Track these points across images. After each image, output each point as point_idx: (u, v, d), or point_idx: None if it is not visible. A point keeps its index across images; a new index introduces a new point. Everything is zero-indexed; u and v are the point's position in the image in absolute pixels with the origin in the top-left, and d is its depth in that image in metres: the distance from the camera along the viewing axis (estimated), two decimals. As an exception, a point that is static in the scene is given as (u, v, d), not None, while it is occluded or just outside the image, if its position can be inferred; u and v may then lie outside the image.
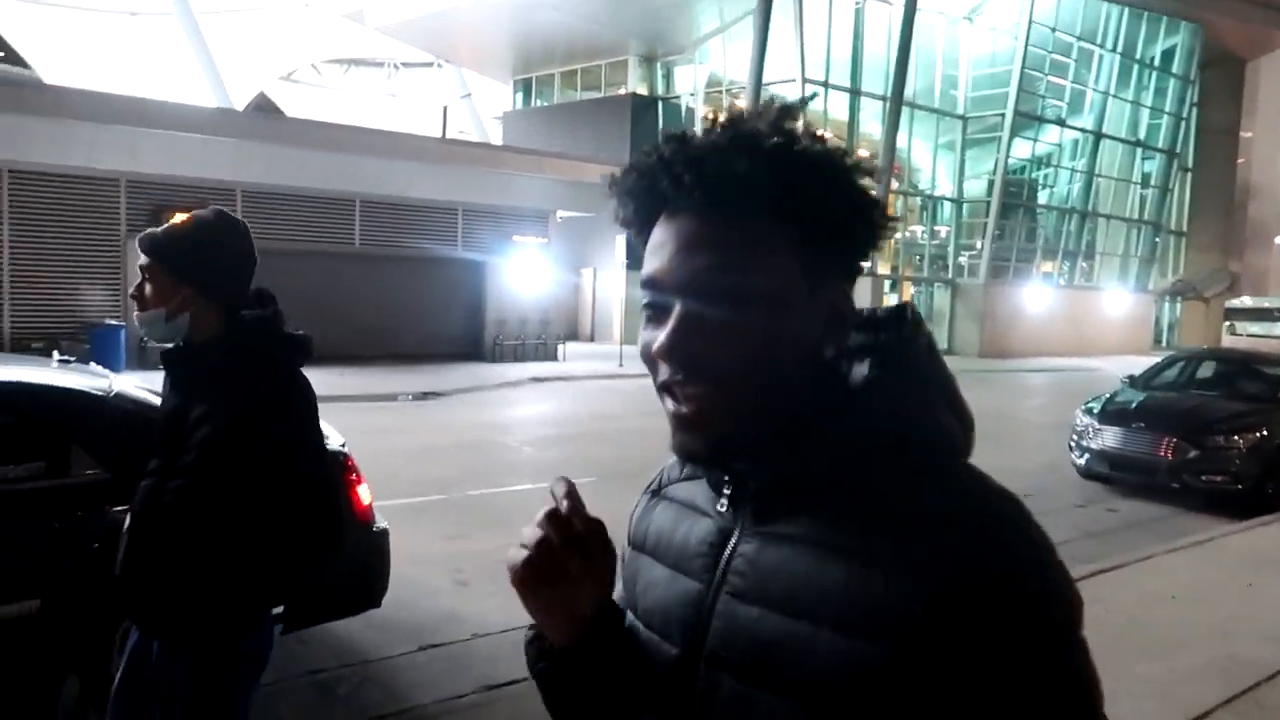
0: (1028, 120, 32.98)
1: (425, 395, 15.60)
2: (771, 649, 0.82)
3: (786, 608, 0.82)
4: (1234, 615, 5.52)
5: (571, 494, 0.93)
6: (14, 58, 44.94)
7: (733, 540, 0.91)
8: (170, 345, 2.27)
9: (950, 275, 33.18)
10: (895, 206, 30.32)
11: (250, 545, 2.12)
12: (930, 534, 0.77)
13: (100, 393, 3.88)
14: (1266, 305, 43.62)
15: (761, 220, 0.84)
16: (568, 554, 0.90)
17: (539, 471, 9.61)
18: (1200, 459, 8.90)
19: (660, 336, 0.85)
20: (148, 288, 2.21)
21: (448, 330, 21.74)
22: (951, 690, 0.74)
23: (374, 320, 20.27)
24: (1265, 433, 9.05)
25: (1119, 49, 34.84)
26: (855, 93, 29.18)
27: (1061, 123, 34.44)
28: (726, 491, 0.93)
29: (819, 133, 0.86)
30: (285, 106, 48.37)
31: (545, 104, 35.16)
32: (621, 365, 21.32)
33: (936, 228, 33.80)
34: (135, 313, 2.25)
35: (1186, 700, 4.26)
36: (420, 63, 52.36)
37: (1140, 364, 12.76)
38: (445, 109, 25.67)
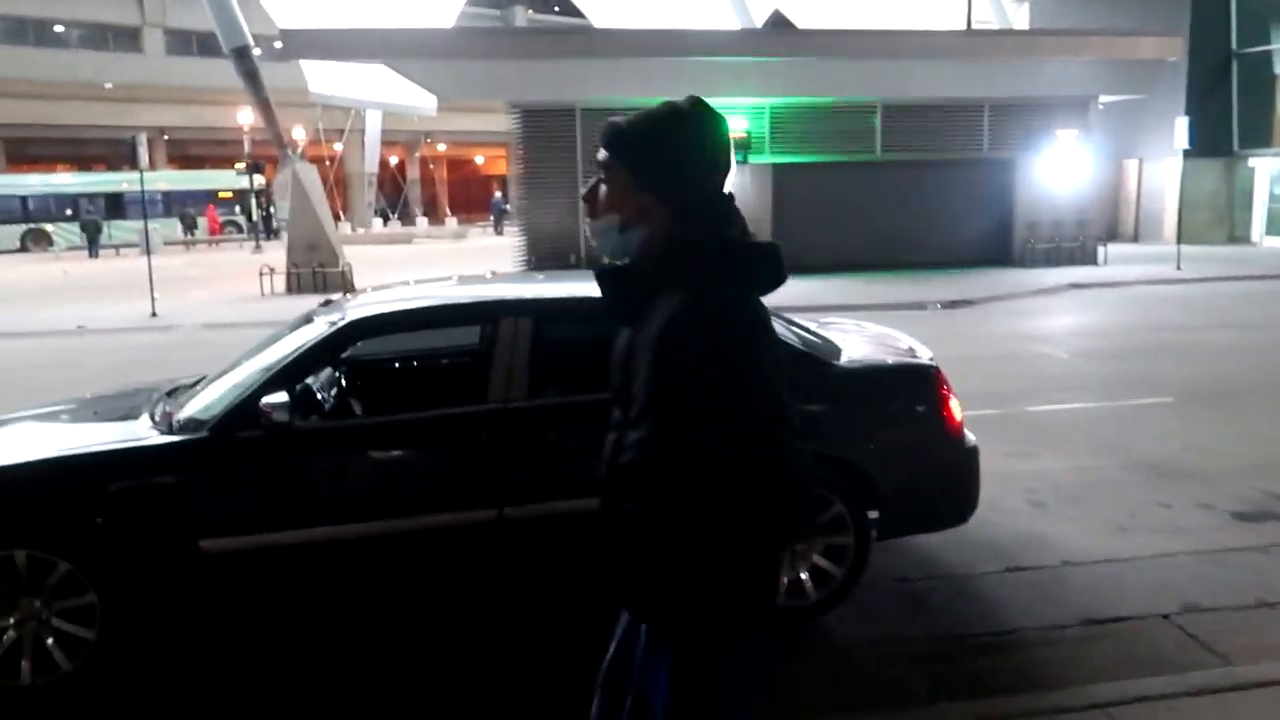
0: None
1: (954, 304, 15.07)
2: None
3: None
4: None
5: None
6: (569, 10, 51.48)
7: None
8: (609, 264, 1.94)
9: None
10: None
11: (722, 523, 1.71)
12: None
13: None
14: None
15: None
16: None
17: (1099, 388, 8.72)
18: None
19: None
20: (602, 189, 1.89)
21: (974, 235, 20.66)
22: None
23: (897, 228, 19.95)
24: None
25: None
26: None
27: None
28: None
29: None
30: (799, 18, 49.23)
31: (1080, -25, 31.21)
32: (1179, 269, 18.59)
33: None
34: (585, 219, 1.95)
35: None
36: (933, -48, 49.57)
37: None
38: (970, -2, 24.05)
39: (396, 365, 4.95)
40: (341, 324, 3.86)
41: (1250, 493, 5.74)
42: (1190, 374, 9.41)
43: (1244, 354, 10.53)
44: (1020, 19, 34.32)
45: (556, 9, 58.41)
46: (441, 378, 4.72)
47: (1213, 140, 24.96)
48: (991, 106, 20.14)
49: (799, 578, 4.08)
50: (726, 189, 1.89)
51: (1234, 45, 26.04)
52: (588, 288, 4.72)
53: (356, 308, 4.05)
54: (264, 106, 18.81)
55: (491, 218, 42.34)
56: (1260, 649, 3.82)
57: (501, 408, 3.80)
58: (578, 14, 48.62)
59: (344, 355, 4.84)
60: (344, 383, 4.68)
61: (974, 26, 26.95)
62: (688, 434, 1.71)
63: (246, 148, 35.03)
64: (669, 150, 1.81)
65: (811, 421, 4.15)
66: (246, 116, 30.68)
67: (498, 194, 43.71)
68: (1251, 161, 26.11)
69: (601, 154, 1.87)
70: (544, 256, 18.72)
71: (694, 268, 1.77)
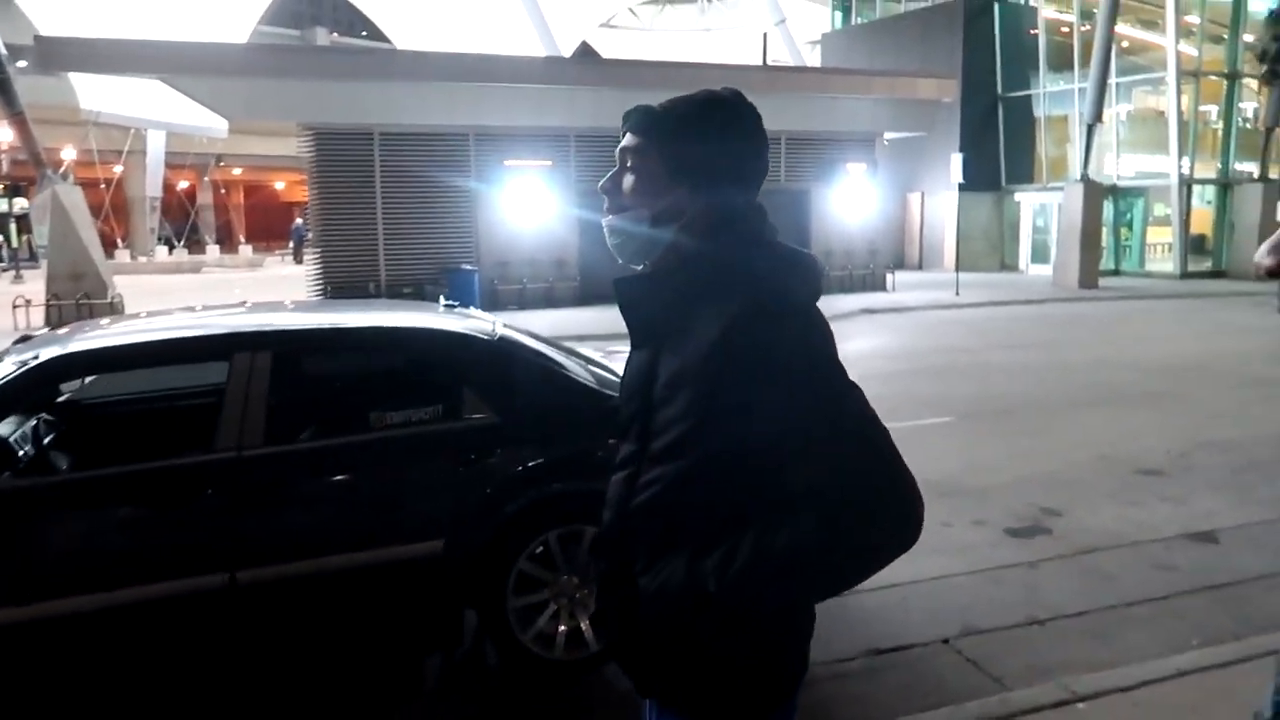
0: None
1: (756, 330, 15.37)
2: None
3: None
4: None
5: None
6: (376, 34, 50.20)
7: None
8: (634, 271, 1.64)
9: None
10: None
11: (772, 566, 1.37)
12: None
13: (486, 336, 3.88)
14: None
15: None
16: None
17: (887, 410, 8.93)
18: None
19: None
20: (628, 179, 1.60)
21: (773, 263, 21.33)
22: None
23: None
24: None
25: None
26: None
27: None
28: None
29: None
30: (606, 52, 50.06)
31: (866, 20, 33.32)
32: (958, 295, 19.88)
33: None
34: (605, 214, 1.62)
35: None
36: (733, -7, 51.76)
37: None
38: (765, 35, 25.05)
39: (121, 410, 4.33)
40: (32, 364, 3.27)
41: (1021, 507, 5.97)
42: (970, 393, 9.91)
43: (1017, 373, 11.23)
44: (814, 59, 36.22)
45: (364, 33, 56.79)
46: (169, 423, 4.15)
47: (984, 176, 27.07)
48: (788, 139, 20.92)
49: (579, 627, 3.79)
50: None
51: (1000, 90, 28.40)
52: (342, 317, 4.34)
53: (54, 345, 3.46)
54: (19, 121, 16.96)
55: (291, 245, 40.32)
56: (1033, 669, 3.85)
57: (234, 456, 3.33)
58: (384, 39, 47.42)
59: (61, 399, 4.22)
60: (50, 432, 4.03)
61: (770, 64, 28.11)
62: (738, 464, 1.42)
63: (3, 167, 31.73)
64: (713, 138, 1.55)
65: (589, 457, 3.93)
66: (4, 133, 27.83)
67: (299, 220, 41.60)
68: (1017, 196, 28.48)
69: (629, 139, 1.60)
70: (341, 285, 17.85)
71: (742, 270, 1.49)
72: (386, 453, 3.59)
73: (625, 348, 5.20)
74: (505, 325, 4.17)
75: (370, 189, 18.14)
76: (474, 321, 4.10)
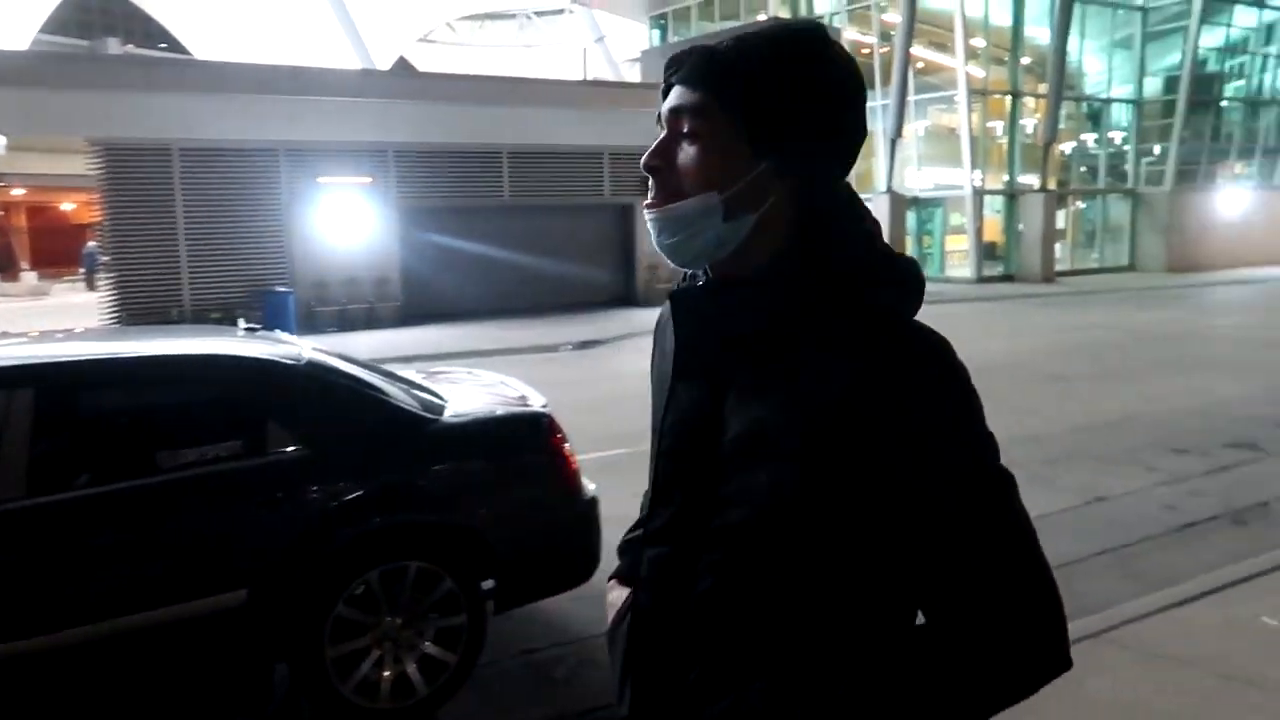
0: (1220, 3, 29.55)
1: (586, 344, 15.31)
2: None
3: None
4: None
5: None
6: (176, 47, 47.33)
7: None
8: (689, 276, 1.21)
9: (1130, 184, 30.46)
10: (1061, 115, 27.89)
11: (887, 710, 1.02)
12: None
13: (292, 361, 3.55)
14: None
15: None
16: None
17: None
18: None
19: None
20: (686, 149, 1.11)
21: (599, 277, 21.41)
22: None
23: (528, 272, 20.11)
24: None
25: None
26: (1018, -9, 26.87)
27: (1261, 2, 30.57)
28: None
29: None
30: (424, 67, 49.14)
31: (683, 39, 34.11)
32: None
33: (1110, 134, 31.05)
34: (649, 205, 1.14)
35: None
36: (552, 10, 51.98)
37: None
38: (585, 50, 25.19)
39: None
40: None
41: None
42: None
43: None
44: (633, 75, 36.76)
45: (163, 45, 53.35)
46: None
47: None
48: (610, 154, 21.05)
49: (404, 672, 3.51)
50: None
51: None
52: (123, 346, 3.86)
53: None
54: None
55: (83, 271, 37.19)
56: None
57: (-15, 511, 2.87)
58: (185, 52, 44.72)
59: None
60: None
61: (591, 79, 28.34)
62: (847, 566, 1.05)
63: None
64: (806, 91, 1.08)
65: (413, 487, 3.67)
66: None
67: (91, 244, 38.48)
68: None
69: (682, 95, 1.11)
70: (140, 312, 16.52)
71: (860, 285, 1.07)
72: (177, 497, 3.20)
73: (450, 368, 4.91)
74: (315, 348, 3.84)
75: (170, 208, 16.91)
76: (278, 346, 3.75)
